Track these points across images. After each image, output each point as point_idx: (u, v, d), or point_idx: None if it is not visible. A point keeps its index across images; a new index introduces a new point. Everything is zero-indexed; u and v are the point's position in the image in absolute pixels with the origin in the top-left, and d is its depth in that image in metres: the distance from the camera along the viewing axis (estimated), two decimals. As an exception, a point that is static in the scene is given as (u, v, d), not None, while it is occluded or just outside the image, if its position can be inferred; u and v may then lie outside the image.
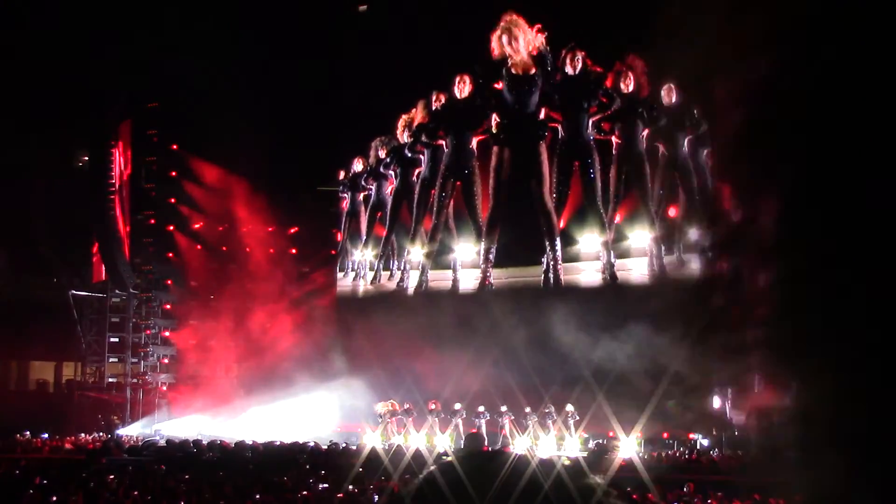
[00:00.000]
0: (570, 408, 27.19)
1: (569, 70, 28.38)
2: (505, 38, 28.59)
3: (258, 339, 31.75)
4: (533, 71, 28.70)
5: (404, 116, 31.67)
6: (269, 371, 30.56)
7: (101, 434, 30.22)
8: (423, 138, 30.84)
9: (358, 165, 33.16)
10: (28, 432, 28.64)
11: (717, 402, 26.29)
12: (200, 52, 32.26)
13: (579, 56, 28.31)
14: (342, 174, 33.35)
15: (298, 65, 32.13)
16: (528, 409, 27.60)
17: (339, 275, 33.52)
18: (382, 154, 32.29)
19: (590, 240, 28.64)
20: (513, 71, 28.83)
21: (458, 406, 28.47)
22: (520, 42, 28.60)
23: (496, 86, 29.26)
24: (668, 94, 27.59)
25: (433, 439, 26.95)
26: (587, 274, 28.70)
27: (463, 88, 30.13)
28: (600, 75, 28.40)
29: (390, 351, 29.44)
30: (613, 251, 28.28)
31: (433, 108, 30.77)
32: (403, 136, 31.72)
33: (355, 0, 31.70)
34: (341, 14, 31.88)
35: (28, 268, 36.55)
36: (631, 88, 28.12)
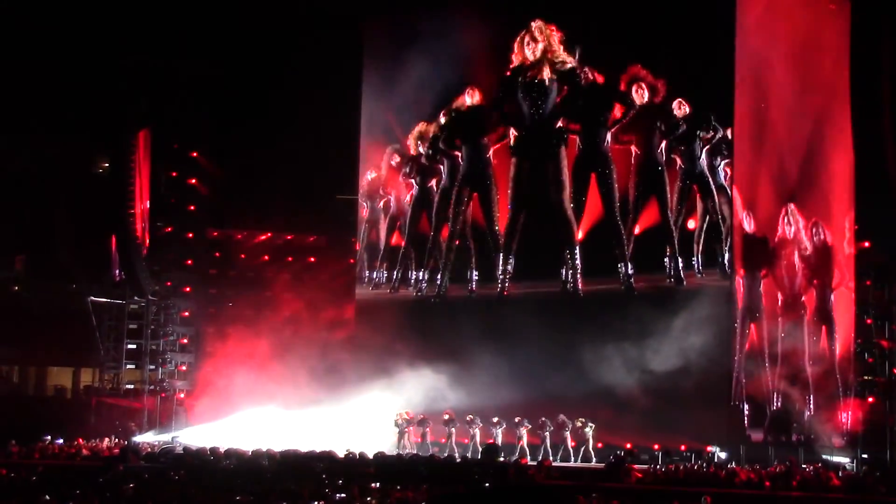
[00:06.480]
0: (582, 420, 27.12)
1: (583, 81, 28.49)
2: (527, 41, 28.82)
3: (276, 347, 31.75)
4: (547, 76, 28.78)
5: (417, 128, 31.62)
6: (286, 379, 30.54)
7: (118, 441, 30.20)
8: (441, 146, 30.92)
9: (371, 174, 33.13)
10: (48, 437, 28.69)
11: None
12: (222, 58, 32.54)
13: (587, 69, 28.57)
14: (362, 183, 33.29)
15: (315, 73, 32.19)
16: (543, 419, 27.52)
17: (358, 283, 33.48)
18: (396, 161, 32.33)
19: (608, 251, 28.49)
20: (528, 77, 28.96)
21: (470, 417, 28.38)
22: (539, 47, 28.78)
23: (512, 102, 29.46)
24: (679, 107, 27.47)
25: None
26: (605, 285, 28.57)
27: (473, 96, 30.32)
28: (613, 84, 28.36)
29: (409, 360, 29.41)
30: (631, 263, 28.16)
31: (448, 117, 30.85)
32: (419, 148, 31.69)
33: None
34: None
35: (47, 274, 36.71)
36: (646, 99, 27.96)
